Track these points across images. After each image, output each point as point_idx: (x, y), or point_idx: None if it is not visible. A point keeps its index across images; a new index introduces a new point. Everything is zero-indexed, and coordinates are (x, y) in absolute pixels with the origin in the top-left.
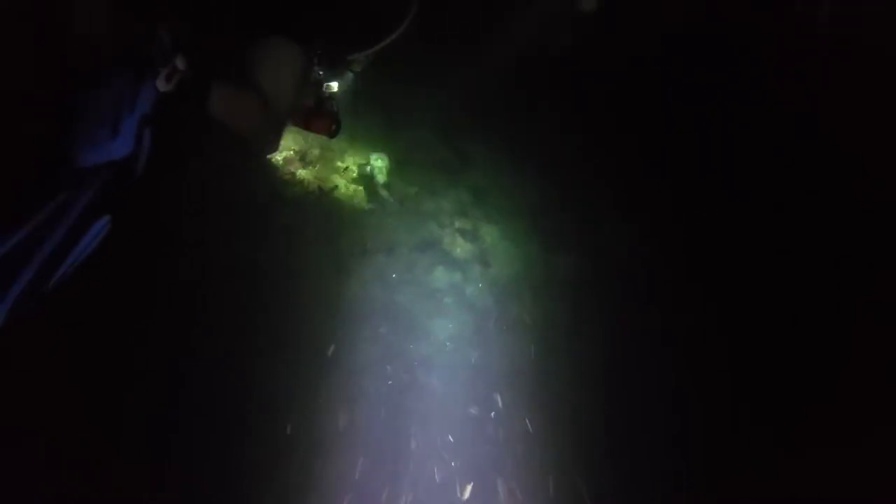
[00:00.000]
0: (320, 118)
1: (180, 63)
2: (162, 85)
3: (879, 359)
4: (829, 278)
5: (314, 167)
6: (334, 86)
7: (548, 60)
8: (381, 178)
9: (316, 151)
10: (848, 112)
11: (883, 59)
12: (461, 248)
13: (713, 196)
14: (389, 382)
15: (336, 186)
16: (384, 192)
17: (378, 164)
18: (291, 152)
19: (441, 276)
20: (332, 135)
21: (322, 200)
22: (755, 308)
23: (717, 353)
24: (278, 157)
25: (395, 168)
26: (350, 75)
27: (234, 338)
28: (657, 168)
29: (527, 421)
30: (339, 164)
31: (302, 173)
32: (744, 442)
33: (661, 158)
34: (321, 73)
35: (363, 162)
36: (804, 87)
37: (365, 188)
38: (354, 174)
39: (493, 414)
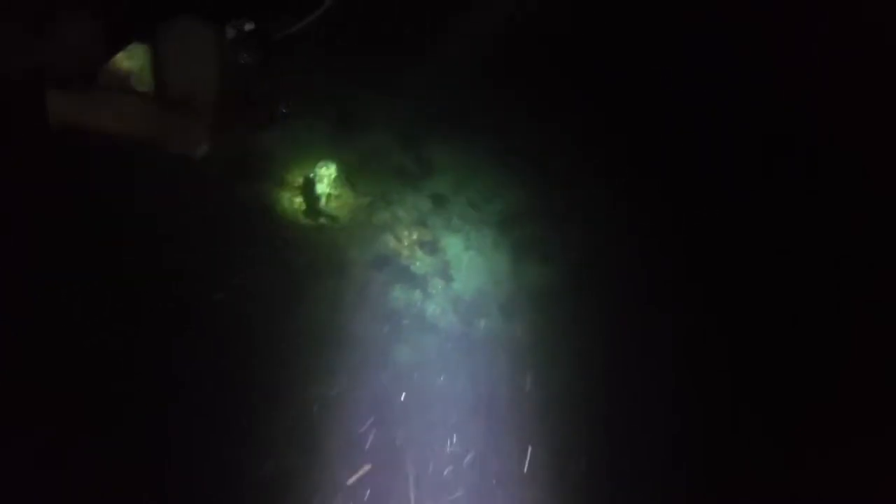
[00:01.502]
0: (251, 109)
1: None
2: None
3: (880, 359)
4: (829, 278)
5: (252, 180)
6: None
7: (518, 55)
8: (329, 189)
9: (253, 162)
10: (848, 111)
11: (884, 59)
12: (420, 261)
13: (712, 196)
14: (346, 420)
15: (278, 201)
16: (334, 205)
17: (326, 173)
18: (223, 163)
19: (399, 295)
20: (266, 126)
21: (262, 218)
22: (755, 308)
23: (717, 353)
24: (211, 168)
25: (347, 177)
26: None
27: (166, 378)
28: (651, 168)
29: (506, 450)
30: (281, 175)
31: (238, 187)
32: (744, 442)
33: (656, 157)
34: (247, 56)
35: (309, 172)
36: (804, 87)
37: (311, 201)
38: (299, 186)
39: (468, 450)
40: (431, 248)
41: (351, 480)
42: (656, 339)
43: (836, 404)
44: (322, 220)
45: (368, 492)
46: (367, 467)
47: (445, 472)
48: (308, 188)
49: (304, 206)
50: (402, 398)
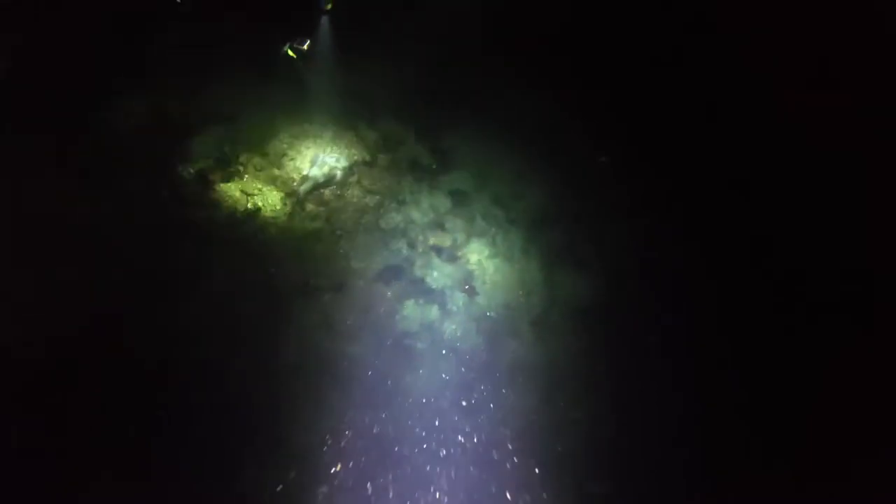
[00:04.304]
0: None
1: None
2: None
3: (880, 360)
4: (830, 278)
5: (240, 178)
6: None
7: (550, 42)
8: (330, 186)
9: (244, 157)
10: (849, 113)
11: (883, 62)
12: (438, 271)
13: (716, 197)
14: (351, 463)
15: (268, 202)
16: (335, 206)
17: (326, 168)
18: (209, 161)
19: (411, 314)
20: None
21: (250, 222)
22: (756, 309)
23: (717, 353)
24: (191, 169)
25: (353, 171)
26: None
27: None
28: (665, 167)
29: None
30: (275, 171)
31: (223, 187)
32: (743, 442)
33: (667, 157)
34: None
35: (307, 167)
36: (806, 92)
37: (308, 202)
38: (295, 184)
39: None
40: (450, 255)
41: None
42: (659, 348)
43: (836, 404)
44: (319, 224)
45: None
46: None
47: None
48: (308, 186)
49: (299, 209)
50: (414, 449)
